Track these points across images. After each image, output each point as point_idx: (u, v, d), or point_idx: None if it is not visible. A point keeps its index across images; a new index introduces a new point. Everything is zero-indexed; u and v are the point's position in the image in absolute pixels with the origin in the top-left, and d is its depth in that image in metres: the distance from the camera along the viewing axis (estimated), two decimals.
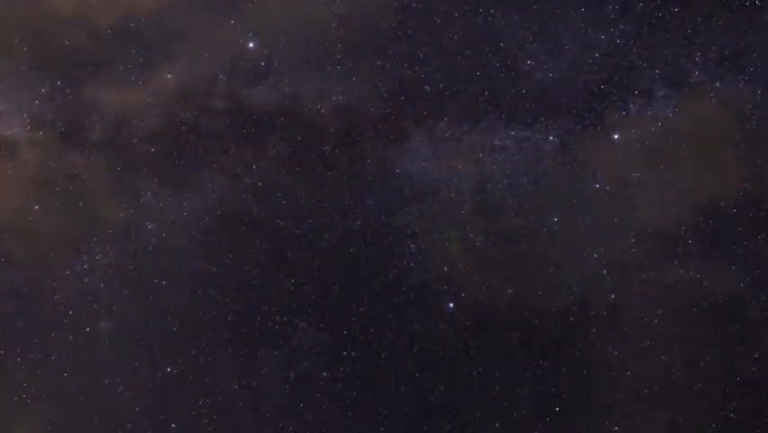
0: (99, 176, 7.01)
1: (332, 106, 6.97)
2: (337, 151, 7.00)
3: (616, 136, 6.86)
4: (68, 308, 7.02)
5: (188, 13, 6.83)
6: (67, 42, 6.92)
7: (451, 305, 6.99)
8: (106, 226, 7.03)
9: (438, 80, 6.88)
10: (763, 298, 6.83)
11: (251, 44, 6.93)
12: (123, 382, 6.98)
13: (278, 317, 7.03)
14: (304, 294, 7.03)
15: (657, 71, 6.82)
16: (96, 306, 7.06)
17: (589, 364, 6.91)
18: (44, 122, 6.98)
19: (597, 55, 6.80)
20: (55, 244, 7.00)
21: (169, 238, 7.05)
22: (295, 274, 7.05)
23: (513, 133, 6.92)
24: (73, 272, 7.03)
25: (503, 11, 6.79)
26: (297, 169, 7.03)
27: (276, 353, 7.04)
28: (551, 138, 6.90)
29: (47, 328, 6.96)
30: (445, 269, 7.01)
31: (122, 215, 7.03)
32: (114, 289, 7.06)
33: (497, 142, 6.93)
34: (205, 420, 6.96)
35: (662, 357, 6.89)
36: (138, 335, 7.06)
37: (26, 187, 6.93)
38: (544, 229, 6.94)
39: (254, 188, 7.02)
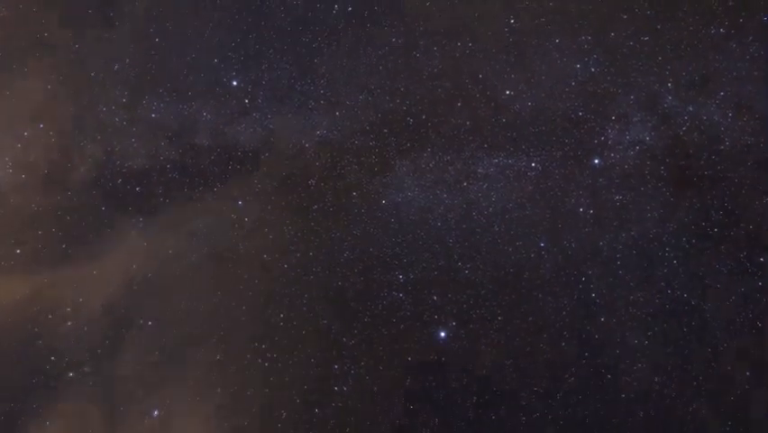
0: (83, 217, 6.95)
1: (316, 141, 7.06)
2: (322, 184, 7.04)
3: (596, 161, 6.99)
4: (51, 353, 6.85)
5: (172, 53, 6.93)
6: (49, 86, 6.95)
7: (442, 334, 6.94)
8: (90, 267, 6.94)
9: (420, 112, 7.01)
10: (750, 315, 6.88)
11: (234, 82, 7.02)
12: (109, 429, 6.76)
13: (267, 354, 6.91)
14: (293, 329, 6.95)
15: (632, 97, 7.02)
16: (79, 350, 6.90)
17: (583, 388, 6.85)
18: (27, 164, 6.96)
19: (573, 84, 6.99)
20: (37, 286, 6.88)
21: (154, 277, 6.97)
22: (283, 309, 6.98)
23: (496, 161, 7.03)
24: (56, 316, 6.88)
25: (481, 44, 6.98)
26: (283, 203, 7.05)
27: (266, 390, 6.89)
28: (533, 165, 7.02)
29: (29, 375, 6.77)
30: (435, 298, 6.98)
31: (106, 255, 6.95)
32: (99, 332, 6.92)
33: (480, 171, 7.04)
34: None
35: (655, 379, 6.86)
36: (123, 378, 6.88)
37: (8, 229, 6.85)
38: (531, 254, 6.98)
39: (240, 223, 7.01)
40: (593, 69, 6.99)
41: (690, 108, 6.99)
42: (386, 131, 7.01)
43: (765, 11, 6.85)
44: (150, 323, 6.89)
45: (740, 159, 6.97)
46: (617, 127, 7.03)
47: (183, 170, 6.99)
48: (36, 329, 6.86)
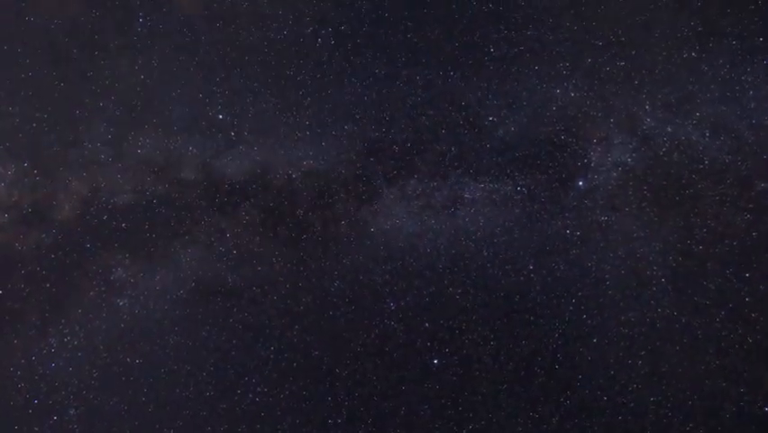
0: (68, 255, 6.84)
1: (302, 171, 7.08)
2: (310, 214, 7.04)
3: (580, 183, 7.09)
4: (34, 396, 6.65)
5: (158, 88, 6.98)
6: (34, 124, 6.93)
7: (435, 361, 6.87)
8: (75, 306, 6.80)
9: (405, 140, 7.09)
10: (740, 331, 6.91)
11: (220, 116, 7.06)
12: None
13: (258, 388, 6.77)
14: (284, 362, 6.83)
15: (612, 120, 7.17)
16: (63, 392, 6.71)
17: (579, 411, 6.78)
18: (10, 204, 6.87)
19: (554, 108, 7.14)
20: (20, 327, 6.71)
21: (141, 314, 6.84)
22: (274, 342, 6.87)
23: (482, 186, 7.10)
24: (39, 357, 6.71)
25: (462, 72, 7.13)
26: (271, 234, 7.02)
27: (258, 426, 6.72)
28: (518, 188, 7.10)
29: (10, 419, 6.54)
30: (427, 325, 6.94)
31: (91, 293, 6.83)
32: (84, 372, 6.75)
33: (467, 196, 7.10)
34: None
35: (651, 399, 6.82)
36: (110, 420, 6.68)
37: None
38: (521, 278, 6.99)
39: (228, 256, 6.95)
40: (573, 94, 7.15)
41: (669, 129, 7.16)
42: (372, 159, 7.07)
43: (733, 36, 7.10)
44: (137, 361, 6.73)
45: (720, 177, 7.12)
46: (599, 149, 7.17)
47: (169, 204, 6.94)
48: (19, 372, 6.63)
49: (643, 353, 6.90)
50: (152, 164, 6.99)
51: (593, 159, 7.16)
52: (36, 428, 6.57)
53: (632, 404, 6.82)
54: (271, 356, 6.79)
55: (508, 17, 7.08)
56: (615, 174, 7.15)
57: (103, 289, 6.81)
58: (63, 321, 6.77)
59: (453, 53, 7.13)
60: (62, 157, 6.95)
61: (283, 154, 7.05)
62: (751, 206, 6.98)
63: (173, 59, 7.04)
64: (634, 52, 7.17)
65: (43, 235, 6.85)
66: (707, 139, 7.15)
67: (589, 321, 6.93)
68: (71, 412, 6.63)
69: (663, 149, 7.15)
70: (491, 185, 7.11)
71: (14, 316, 6.75)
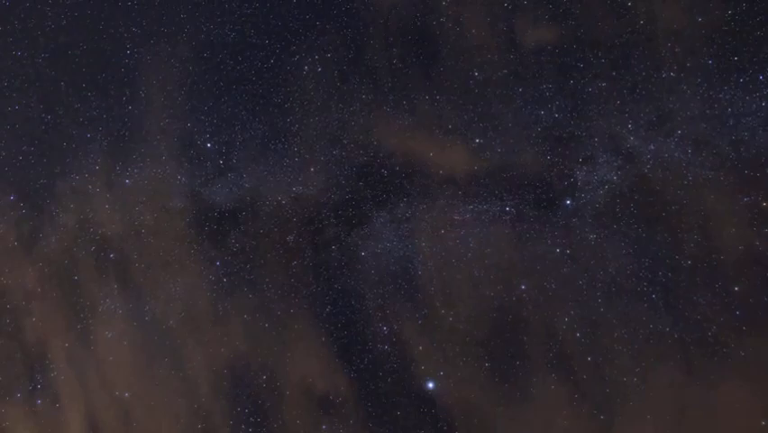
0: (54, 288, 6.74)
1: (292, 197, 7.08)
2: (301, 240, 7.02)
3: (568, 202, 7.16)
4: None
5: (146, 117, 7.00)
6: (20, 157, 6.90)
7: (430, 385, 6.80)
8: (62, 340, 6.67)
9: (394, 164, 7.13)
10: (733, 344, 6.92)
11: (208, 144, 7.08)
12: None
13: (251, 418, 6.64)
14: (277, 390, 6.72)
15: (596, 140, 7.28)
16: (50, 431, 6.53)
17: (576, 429, 6.72)
18: None
19: (539, 129, 7.24)
20: (6, 364, 6.56)
21: (131, 346, 6.72)
22: (266, 370, 6.77)
23: (471, 207, 7.13)
24: (24, 395, 6.55)
25: (448, 96, 7.23)
26: (262, 261, 6.97)
27: None
28: (507, 209, 7.14)
29: None
30: (420, 348, 6.88)
31: (79, 326, 6.72)
32: (73, 409, 6.58)
33: (456, 218, 7.12)
34: None
35: (648, 416, 6.78)
36: None
37: None
38: (513, 297, 6.98)
39: (219, 284, 6.89)
40: (557, 115, 7.27)
41: (652, 147, 7.27)
42: (361, 183, 7.10)
43: (709, 55, 7.28)
44: (126, 395, 6.59)
45: (704, 192, 7.21)
46: (585, 169, 7.25)
47: (158, 233, 6.89)
48: (3, 410, 6.46)
49: (637, 370, 6.88)
50: (141, 194, 6.96)
51: (579, 178, 7.24)
52: None
53: (629, 421, 6.75)
54: (264, 385, 6.68)
55: (491, 42, 7.22)
56: (601, 192, 7.22)
57: (90, 321, 6.70)
58: (49, 356, 6.62)
59: (438, 78, 7.23)
60: (49, 189, 6.90)
61: (272, 181, 7.07)
62: (735, 219, 7.07)
63: (160, 90, 7.07)
64: (614, 73, 7.32)
65: (30, 269, 6.75)
66: (689, 156, 7.26)
67: (583, 339, 6.92)
68: None
69: (648, 166, 7.25)
70: (480, 206, 7.15)
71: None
